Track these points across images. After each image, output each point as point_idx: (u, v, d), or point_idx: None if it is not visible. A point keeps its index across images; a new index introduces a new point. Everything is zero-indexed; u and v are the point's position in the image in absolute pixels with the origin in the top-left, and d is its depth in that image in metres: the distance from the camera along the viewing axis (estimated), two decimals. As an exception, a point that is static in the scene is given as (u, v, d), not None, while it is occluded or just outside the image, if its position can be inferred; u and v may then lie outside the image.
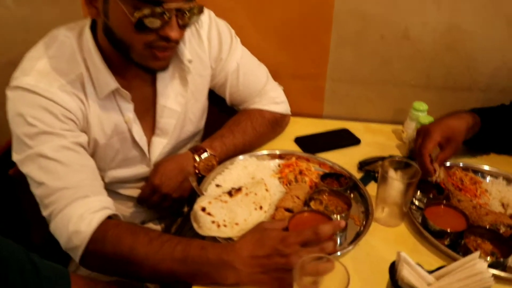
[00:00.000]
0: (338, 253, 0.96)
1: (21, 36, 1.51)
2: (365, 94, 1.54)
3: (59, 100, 0.98)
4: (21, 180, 1.02)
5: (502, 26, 1.39)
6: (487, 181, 1.25)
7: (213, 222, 0.98)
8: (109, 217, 0.99)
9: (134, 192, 1.23)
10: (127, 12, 0.92)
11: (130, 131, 1.13)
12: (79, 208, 0.96)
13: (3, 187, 1.17)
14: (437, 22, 1.40)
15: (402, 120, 1.44)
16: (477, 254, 0.79)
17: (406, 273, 0.76)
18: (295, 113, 1.47)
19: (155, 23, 0.93)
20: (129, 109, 1.11)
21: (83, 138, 1.05)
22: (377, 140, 1.44)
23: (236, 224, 0.99)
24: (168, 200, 1.18)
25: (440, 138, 1.14)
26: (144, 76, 1.14)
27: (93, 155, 1.09)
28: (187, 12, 0.97)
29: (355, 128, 1.47)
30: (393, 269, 0.81)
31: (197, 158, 1.18)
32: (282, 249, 0.87)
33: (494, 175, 1.26)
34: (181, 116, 1.21)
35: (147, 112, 1.18)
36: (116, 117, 1.10)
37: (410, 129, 1.38)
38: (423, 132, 1.18)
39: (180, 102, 1.19)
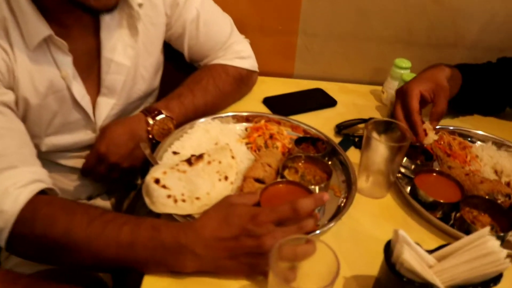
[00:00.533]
0: (317, 231, 0.81)
1: None
2: (341, 52, 1.39)
3: None
4: None
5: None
6: (477, 145, 1.13)
7: (168, 196, 0.81)
8: (42, 192, 0.81)
9: (78, 162, 1.04)
10: None
11: (69, 89, 0.93)
12: (3, 181, 0.77)
13: None
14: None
15: (381, 81, 1.30)
16: (486, 230, 0.66)
17: (408, 256, 0.62)
18: (263, 73, 1.31)
19: None
20: (66, 62, 0.91)
21: (9, 97, 0.86)
22: (354, 101, 1.29)
23: (197, 198, 0.82)
24: (116, 170, 1.01)
25: (424, 91, 1.02)
26: (86, 23, 0.94)
27: (24, 118, 0.90)
28: None
29: (330, 88, 1.32)
30: (388, 250, 0.67)
31: (150, 121, 1.00)
32: (253, 229, 0.71)
33: (483, 139, 1.14)
34: (131, 72, 1.02)
35: (90, 68, 0.98)
36: (51, 72, 0.91)
37: (391, 89, 1.24)
38: (401, 92, 1.05)
39: (129, 55, 1.00)
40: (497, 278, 0.64)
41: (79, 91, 0.95)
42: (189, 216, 0.82)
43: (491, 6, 1.29)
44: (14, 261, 1.03)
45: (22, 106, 0.89)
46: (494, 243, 0.64)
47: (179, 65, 1.24)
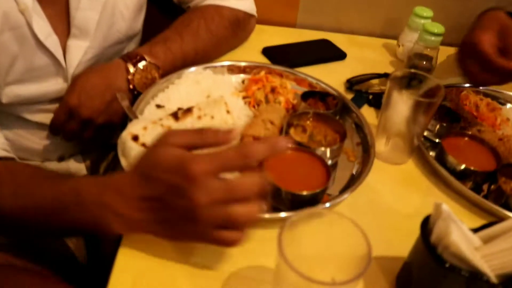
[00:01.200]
0: (327, 204, 0.67)
1: None
2: (351, -1, 1.22)
3: None
4: None
5: None
6: (507, 107, 0.98)
7: (148, 155, 0.66)
8: None
9: (47, 117, 0.88)
10: None
11: (29, 25, 0.76)
12: None
13: None
14: None
15: (395, 34, 1.14)
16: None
17: (457, 238, 0.48)
18: (262, 21, 1.15)
19: None
20: None
21: None
22: (365, 55, 1.13)
23: (184, 159, 0.67)
24: (90, 127, 0.85)
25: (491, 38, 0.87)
26: None
27: None
28: None
29: (338, 40, 1.16)
30: (426, 229, 0.53)
31: (131, 69, 0.84)
32: (181, 184, 0.51)
33: (513, 101, 0.99)
34: (107, 8, 0.85)
35: (57, 4, 0.81)
36: (6, 4, 0.73)
37: (409, 42, 1.08)
38: (468, 39, 0.90)
39: None
40: None
41: (42, 28, 0.78)
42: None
43: None
44: None
45: None
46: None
47: (165, 8, 1.07)
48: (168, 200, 0.53)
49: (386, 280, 0.61)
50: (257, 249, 0.62)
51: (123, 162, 0.67)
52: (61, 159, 0.97)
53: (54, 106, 0.87)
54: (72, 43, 0.84)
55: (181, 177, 0.51)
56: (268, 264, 0.59)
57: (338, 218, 0.49)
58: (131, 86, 0.84)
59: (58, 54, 0.82)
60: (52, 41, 0.80)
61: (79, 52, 0.84)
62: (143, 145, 0.67)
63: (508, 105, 0.99)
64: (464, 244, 0.48)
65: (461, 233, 0.49)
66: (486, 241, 0.53)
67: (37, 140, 0.92)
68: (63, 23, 0.82)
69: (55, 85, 0.85)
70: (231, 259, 0.61)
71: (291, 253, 0.45)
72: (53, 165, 0.96)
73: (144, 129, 0.69)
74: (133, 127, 0.69)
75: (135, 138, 0.67)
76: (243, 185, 0.52)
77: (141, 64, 0.84)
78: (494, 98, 0.98)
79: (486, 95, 0.99)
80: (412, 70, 0.79)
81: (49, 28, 0.79)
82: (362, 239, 0.47)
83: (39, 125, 0.89)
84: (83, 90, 0.82)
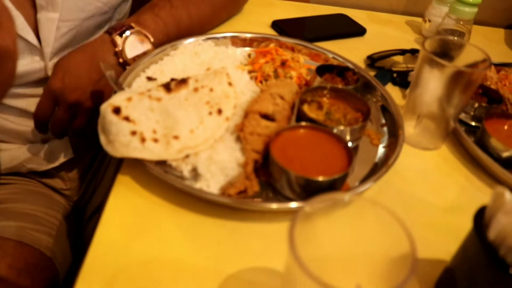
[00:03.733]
0: (346, 197, 0.54)
1: None
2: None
3: None
4: None
5: None
6: (551, 88, 0.85)
7: (133, 133, 0.55)
8: None
9: (30, 104, 0.77)
10: None
11: None
12: None
13: None
14: None
15: (419, 12, 1.03)
16: None
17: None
18: (270, -5, 1.03)
19: None
20: None
21: None
22: (387, 31, 1.02)
23: (175, 137, 0.56)
24: (80, 113, 0.73)
25: None
26: None
27: None
28: None
29: (356, 16, 1.04)
30: (481, 224, 0.41)
31: (117, 40, 0.73)
32: None
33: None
34: None
35: None
36: None
37: (437, 16, 0.96)
38: None
39: None
40: None
41: None
42: (164, 163, 0.56)
43: None
44: None
45: None
46: None
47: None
48: None
49: (423, 289, 0.49)
50: (261, 247, 0.50)
51: (102, 139, 0.56)
52: (44, 141, 0.86)
53: (37, 91, 0.76)
54: (42, 16, 0.73)
55: None
56: (275, 266, 0.47)
57: (369, 206, 0.37)
58: (120, 60, 0.73)
59: (24, 29, 0.71)
60: (15, 15, 0.69)
61: (51, 25, 0.73)
62: (127, 119, 0.55)
63: (553, 86, 0.86)
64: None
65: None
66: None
67: (20, 123, 0.81)
68: None
69: (31, 64, 0.75)
70: (230, 258, 0.49)
71: (306, 253, 0.33)
72: (35, 148, 0.85)
73: (128, 100, 0.57)
74: (115, 98, 0.57)
75: (117, 110, 0.55)
76: None
77: (129, 33, 0.73)
78: (536, 78, 0.86)
79: (526, 75, 0.86)
80: (450, 38, 0.67)
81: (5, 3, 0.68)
82: (401, 234, 0.35)
83: (22, 112, 0.79)
84: (66, 71, 0.71)
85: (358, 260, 0.39)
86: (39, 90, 0.77)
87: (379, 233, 0.37)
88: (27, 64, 0.74)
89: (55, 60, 0.75)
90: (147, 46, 0.75)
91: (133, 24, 0.74)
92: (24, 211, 0.81)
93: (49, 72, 0.75)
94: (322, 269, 0.34)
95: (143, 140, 0.55)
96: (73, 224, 0.89)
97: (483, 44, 1.00)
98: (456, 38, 0.87)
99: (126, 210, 0.53)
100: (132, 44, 0.74)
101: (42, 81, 0.76)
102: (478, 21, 1.05)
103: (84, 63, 0.72)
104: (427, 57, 0.62)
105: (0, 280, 0.69)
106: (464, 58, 0.66)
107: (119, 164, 0.59)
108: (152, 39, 0.75)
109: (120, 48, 0.73)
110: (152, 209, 0.53)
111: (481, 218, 0.41)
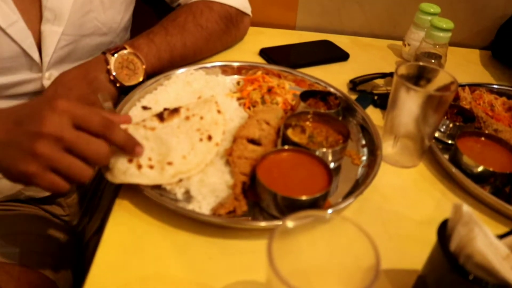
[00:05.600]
0: (330, 211, 0.59)
1: None
2: (353, -2, 1.16)
3: None
4: None
5: None
6: (524, 106, 0.91)
7: (130, 161, 0.59)
8: None
9: None
10: None
11: None
12: None
13: None
14: None
15: (401, 36, 1.08)
16: None
17: (482, 245, 0.41)
18: (259, 23, 1.11)
19: None
20: None
21: None
22: (369, 56, 1.07)
23: (169, 163, 0.61)
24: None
25: None
26: None
27: None
28: None
29: (340, 42, 1.10)
30: (443, 235, 0.45)
31: (110, 58, 0.78)
32: (43, 108, 0.55)
33: (531, 100, 0.92)
34: None
35: None
36: None
37: (415, 40, 1.02)
38: None
39: None
40: None
41: (5, 15, 0.71)
42: (159, 187, 0.60)
43: None
44: None
45: None
46: None
47: (160, 10, 1.02)
48: (21, 116, 0.55)
49: (398, 297, 0.53)
50: (250, 262, 0.55)
51: (103, 169, 0.61)
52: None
53: None
54: (46, 28, 0.77)
55: (46, 103, 0.55)
56: (261, 279, 0.51)
57: (341, 223, 0.42)
58: (111, 77, 0.77)
59: (26, 43, 0.75)
60: (16, 29, 0.73)
61: (53, 38, 0.78)
62: (124, 147, 0.60)
63: (525, 104, 0.91)
64: (491, 253, 0.41)
65: (487, 240, 0.42)
66: (513, 249, 0.45)
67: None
68: (34, 6, 0.76)
69: (29, 74, 0.79)
70: (220, 273, 0.53)
71: (287, 266, 0.38)
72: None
73: (125, 130, 0.62)
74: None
75: (115, 140, 0.60)
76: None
77: (121, 52, 0.78)
78: (509, 97, 0.91)
79: (500, 94, 0.92)
80: (421, 63, 0.72)
81: (15, 15, 0.73)
82: (369, 247, 0.39)
83: None
84: (60, 83, 0.76)
85: (334, 271, 0.43)
86: None
87: (350, 246, 0.41)
88: (24, 73, 0.78)
89: (51, 71, 0.80)
90: (139, 66, 0.80)
91: (127, 46, 0.79)
92: (28, 237, 0.85)
93: (45, 83, 0.79)
94: (301, 280, 0.39)
95: (139, 166, 0.59)
96: (73, 246, 0.93)
97: (460, 65, 1.07)
98: (433, 60, 0.95)
99: (125, 231, 0.58)
100: (124, 63, 0.78)
101: (37, 94, 0.81)
102: (455, 43, 1.11)
103: (77, 78, 0.76)
104: (400, 83, 0.67)
105: None
106: (440, 80, 0.71)
107: (117, 189, 0.64)
108: (144, 61, 0.80)
109: (112, 67, 0.78)
110: (149, 230, 0.58)
111: (444, 230, 0.46)
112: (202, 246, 0.56)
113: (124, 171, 0.59)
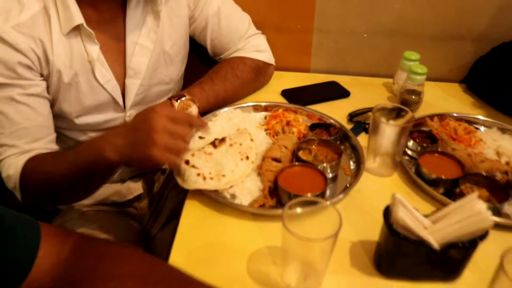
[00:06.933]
0: (327, 202, 0.90)
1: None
2: (354, 46, 1.47)
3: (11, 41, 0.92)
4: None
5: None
6: (482, 130, 1.20)
7: (198, 174, 0.92)
8: None
9: None
10: None
11: (93, 72, 1.04)
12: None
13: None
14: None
15: (393, 74, 1.38)
16: (475, 194, 0.75)
17: (402, 214, 0.72)
18: (281, 68, 1.43)
19: None
20: (94, 49, 1.02)
21: (38, 88, 0.98)
22: (367, 93, 1.38)
23: (223, 176, 0.93)
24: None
25: None
26: (116, 10, 1.06)
27: (56, 92, 1.02)
28: None
29: (344, 81, 1.41)
30: (387, 213, 0.76)
31: (174, 103, 1.10)
32: (149, 115, 0.85)
33: (488, 126, 1.21)
34: (153, 54, 1.12)
35: (117, 53, 1.09)
36: (81, 56, 1.02)
37: (401, 80, 1.32)
38: None
39: (152, 39, 1.11)
40: (484, 235, 0.72)
41: (103, 75, 1.06)
42: (217, 191, 0.93)
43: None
44: (62, 219, 1.20)
45: (56, 80, 1.00)
46: (481, 205, 0.73)
47: (203, 61, 1.35)
48: (137, 125, 0.85)
49: (368, 256, 0.84)
50: (272, 234, 0.86)
51: (179, 180, 0.94)
52: (122, 181, 1.26)
53: None
54: (129, 81, 1.11)
55: (151, 111, 0.84)
56: (279, 244, 0.83)
57: (329, 209, 0.73)
58: None
59: (116, 93, 1.10)
60: (111, 84, 1.08)
61: (134, 88, 1.12)
62: (193, 166, 0.93)
63: (482, 128, 1.21)
64: (409, 219, 0.72)
65: (408, 213, 0.73)
66: (434, 222, 0.76)
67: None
68: (121, 66, 1.11)
69: (114, 114, 1.13)
70: (253, 240, 0.85)
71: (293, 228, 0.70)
72: (116, 186, 1.25)
73: (192, 155, 0.95)
74: (184, 155, 0.95)
75: (187, 162, 0.93)
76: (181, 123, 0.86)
77: (182, 99, 1.11)
78: (470, 123, 1.21)
79: (464, 121, 1.21)
80: (392, 104, 1.04)
81: (109, 75, 1.07)
82: (338, 221, 0.70)
83: None
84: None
85: (321, 232, 0.74)
86: None
87: (331, 221, 0.72)
88: (110, 114, 1.13)
89: (130, 111, 1.14)
90: (193, 106, 1.13)
91: (185, 94, 1.12)
92: (112, 230, 1.18)
93: (127, 119, 1.14)
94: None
95: (204, 178, 0.92)
96: (143, 239, 1.26)
97: (439, 97, 1.36)
98: (413, 96, 1.25)
99: (194, 218, 0.91)
100: (183, 106, 1.11)
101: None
102: (436, 78, 1.41)
103: None
104: (376, 118, 0.98)
105: None
106: (407, 114, 1.02)
107: (179, 195, 0.96)
108: (197, 104, 1.12)
109: (176, 109, 1.10)
110: (211, 216, 0.91)
111: (387, 211, 0.76)
112: (243, 226, 0.89)
113: (195, 181, 0.92)
